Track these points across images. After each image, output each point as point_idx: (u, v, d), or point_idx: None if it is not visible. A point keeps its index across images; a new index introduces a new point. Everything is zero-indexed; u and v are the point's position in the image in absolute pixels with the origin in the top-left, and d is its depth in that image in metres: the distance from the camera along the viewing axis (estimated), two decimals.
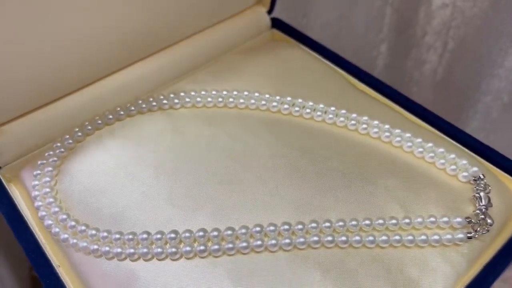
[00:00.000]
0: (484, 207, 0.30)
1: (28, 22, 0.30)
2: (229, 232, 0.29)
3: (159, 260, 0.29)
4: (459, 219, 0.30)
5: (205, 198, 0.31)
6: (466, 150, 0.36)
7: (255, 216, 0.30)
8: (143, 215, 0.31)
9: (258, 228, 0.29)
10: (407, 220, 0.30)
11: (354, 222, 0.30)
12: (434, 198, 0.32)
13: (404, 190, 0.32)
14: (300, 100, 0.37)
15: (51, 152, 0.34)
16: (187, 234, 0.29)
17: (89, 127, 0.36)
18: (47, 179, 0.33)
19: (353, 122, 0.36)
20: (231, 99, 0.38)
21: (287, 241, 0.29)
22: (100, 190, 0.32)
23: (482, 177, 0.32)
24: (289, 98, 0.37)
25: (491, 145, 0.36)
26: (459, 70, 0.61)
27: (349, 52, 0.52)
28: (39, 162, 0.34)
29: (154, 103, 0.38)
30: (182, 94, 0.38)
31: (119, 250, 0.29)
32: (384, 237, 0.29)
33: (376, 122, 0.36)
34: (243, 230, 0.29)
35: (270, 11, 0.47)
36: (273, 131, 0.36)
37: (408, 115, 0.38)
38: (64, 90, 0.36)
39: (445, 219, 0.30)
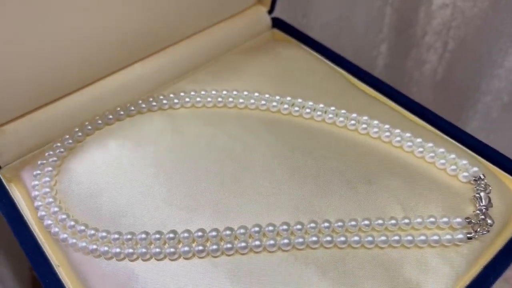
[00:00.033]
0: (484, 207, 0.30)
1: (28, 22, 0.31)
2: (228, 232, 0.29)
3: (158, 260, 0.29)
4: (459, 220, 0.30)
5: (204, 198, 0.31)
6: (467, 150, 0.36)
7: (254, 216, 0.30)
8: (142, 215, 0.31)
9: (257, 228, 0.29)
10: (406, 220, 0.30)
11: (353, 222, 0.30)
12: (434, 198, 0.32)
13: (404, 190, 0.32)
14: (300, 100, 0.37)
15: (51, 152, 0.34)
16: (186, 234, 0.29)
17: (89, 127, 0.36)
18: (47, 179, 0.33)
19: (353, 122, 0.36)
20: (230, 99, 0.38)
21: (286, 241, 0.29)
22: (99, 190, 0.32)
23: (482, 177, 0.32)
24: (288, 98, 0.37)
25: (491, 145, 0.36)
26: (459, 70, 0.61)
27: (349, 52, 0.52)
28: (39, 162, 0.34)
29: (154, 103, 0.38)
30: (182, 94, 0.38)
31: (117, 250, 0.29)
32: (383, 238, 0.29)
33: (376, 122, 0.35)
34: (242, 230, 0.29)
35: (270, 11, 0.46)
36: (273, 131, 0.36)
37: (408, 115, 0.38)
38: (64, 90, 0.36)
39: (445, 219, 0.30)
